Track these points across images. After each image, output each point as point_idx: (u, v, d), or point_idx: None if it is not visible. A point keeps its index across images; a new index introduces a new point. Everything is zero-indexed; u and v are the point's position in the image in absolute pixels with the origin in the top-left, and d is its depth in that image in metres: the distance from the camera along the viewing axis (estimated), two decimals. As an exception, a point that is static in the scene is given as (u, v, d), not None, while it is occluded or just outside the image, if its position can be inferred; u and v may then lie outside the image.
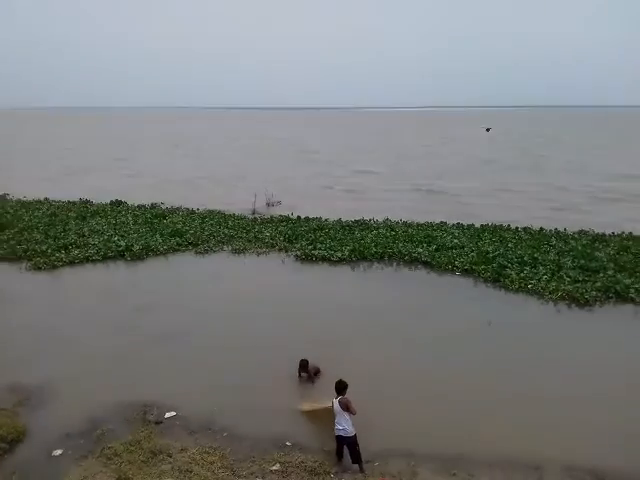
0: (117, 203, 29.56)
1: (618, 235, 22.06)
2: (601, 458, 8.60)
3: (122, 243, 20.69)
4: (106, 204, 29.34)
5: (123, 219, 25.33)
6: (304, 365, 11.00)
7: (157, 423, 9.47)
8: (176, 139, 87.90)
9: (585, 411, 9.93)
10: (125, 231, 22.85)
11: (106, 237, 21.74)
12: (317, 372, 11.06)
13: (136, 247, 20.25)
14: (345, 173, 43.71)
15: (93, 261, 19.26)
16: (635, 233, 22.10)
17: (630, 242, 20.74)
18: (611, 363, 11.82)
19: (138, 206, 28.76)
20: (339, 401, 8.39)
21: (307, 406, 9.84)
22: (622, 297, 15.38)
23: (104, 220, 25.09)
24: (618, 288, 15.70)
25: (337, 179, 40.21)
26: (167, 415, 9.73)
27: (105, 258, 19.54)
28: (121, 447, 8.71)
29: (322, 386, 10.58)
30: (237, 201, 30.12)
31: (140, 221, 24.98)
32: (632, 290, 15.56)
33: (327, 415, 8.88)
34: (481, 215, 25.98)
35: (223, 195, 33.17)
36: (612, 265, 17.67)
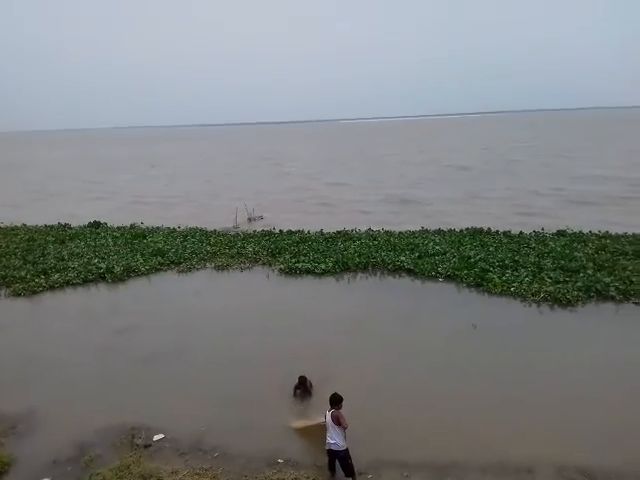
0: (96, 225, 29.20)
1: (595, 234, 22.53)
2: (592, 457, 8.68)
3: (102, 265, 20.42)
4: (85, 226, 28.97)
5: (103, 241, 25.01)
6: (303, 382, 10.84)
7: (146, 446, 9.30)
8: (152, 159, 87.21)
9: (574, 411, 10.04)
10: (105, 253, 22.55)
11: (86, 260, 21.43)
12: (310, 385, 10.99)
13: (117, 269, 19.99)
14: (319, 186, 43.82)
15: (74, 285, 18.94)
16: (611, 232, 22.59)
17: (607, 241, 21.19)
18: (597, 361, 12.00)
19: (117, 227, 28.45)
20: (331, 414, 8.34)
21: (300, 423, 9.76)
22: (603, 295, 15.66)
23: (83, 243, 24.75)
24: (598, 287, 15.98)
25: (312, 192, 40.26)
26: (155, 438, 9.56)
27: (86, 281, 19.23)
28: (110, 473, 8.52)
29: (313, 401, 10.55)
30: (217, 218, 29.96)
31: (120, 242, 24.70)
32: (612, 288, 15.85)
33: (319, 430, 8.81)
34: (455, 223, 26.04)
35: (202, 213, 32.96)
36: (591, 264, 18.02)
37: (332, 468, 8.46)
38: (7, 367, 12.62)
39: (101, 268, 20.11)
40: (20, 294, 18.08)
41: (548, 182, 40.20)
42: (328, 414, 8.38)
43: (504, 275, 17.47)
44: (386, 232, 24.61)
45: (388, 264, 19.44)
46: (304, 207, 34.36)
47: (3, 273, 19.98)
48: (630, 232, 22.47)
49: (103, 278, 19.51)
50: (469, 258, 19.39)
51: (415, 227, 25.26)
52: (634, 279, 16.41)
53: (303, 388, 10.87)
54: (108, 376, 11.92)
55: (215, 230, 26.77)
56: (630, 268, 17.47)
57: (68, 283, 18.98)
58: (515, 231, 23.60)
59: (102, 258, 21.66)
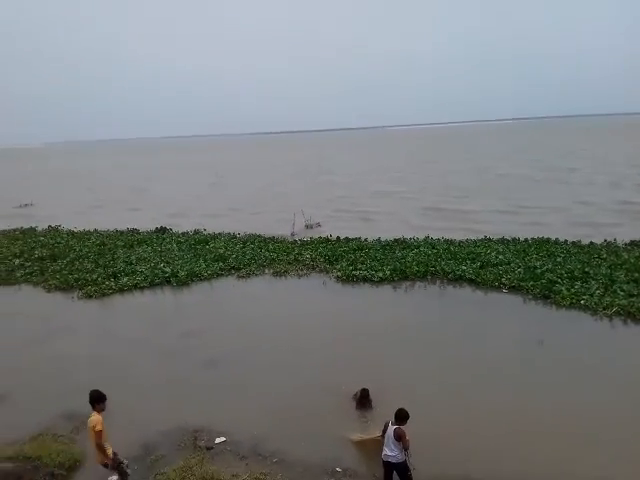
0: (162, 231, 30.39)
1: (673, 245, 21.06)
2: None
3: (168, 270, 21.21)
4: (151, 232, 30.19)
5: (168, 246, 25.99)
6: (365, 395, 10.73)
7: (208, 449, 9.53)
8: (216, 168, 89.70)
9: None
10: (170, 258, 23.41)
11: (153, 264, 22.34)
12: (367, 395, 10.90)
13: (181, 273, 20.71)
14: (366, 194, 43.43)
15: (141, 288, 19.78)
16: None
17: (687, 252, 19.76)
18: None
19: (182, 233, 29.46)
20: (395, 430, 8.17)
21: (356, 437, 9.69)
22: (682, 311, 14.61)
23: (150, 248, 25.79)
24: (677, 301, 14.93)
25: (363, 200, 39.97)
26: (217, 440, 9.79)
27: (152, 285, 20.04)
28: (173, 473, 8.79)
29: (371, 413, 10.49)
30: (274, 224, 30.43)
31: (184, 247, 25.57)
32: (693, 303, 14.76)
33: (376, 444, 8.71)
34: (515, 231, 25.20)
35: (259, 219, 33.56)
36: (669, 277, 16.86)
37: None
38: (78, 368, 13.26)
39: (166, 272, 20.90)
40: (92, 296, 19.07)
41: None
42: (391, 427, 8.21)
43: (573, 287, 16.65)
44: (446, 240, 24.11)
45: (448, 273, 19.01)
46: (357, 215, 34.20)
47: (77, 276, 21.15)
48: None
49: (168, 282, 20.26)
50: (535, 268, 18.63)
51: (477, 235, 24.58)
52: None
53: (365, 401, 10.73)
54: (173, 379, 12.32)
55: (273, 237, 27.18)
56: None
57: (136, 286, 19.85)
58: (585, 241, 22.46)
59: (167, 263, 22.50)
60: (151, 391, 11.86)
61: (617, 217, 28.95)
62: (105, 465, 8.15)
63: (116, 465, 8.16)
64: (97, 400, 8.05)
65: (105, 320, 17.04)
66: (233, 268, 21.75)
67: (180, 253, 24.36)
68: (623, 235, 23.16)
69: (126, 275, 20.97)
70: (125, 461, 8.35)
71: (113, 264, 22.74)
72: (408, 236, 25.11)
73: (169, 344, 14.42)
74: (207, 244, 26.12)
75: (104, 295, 19.16)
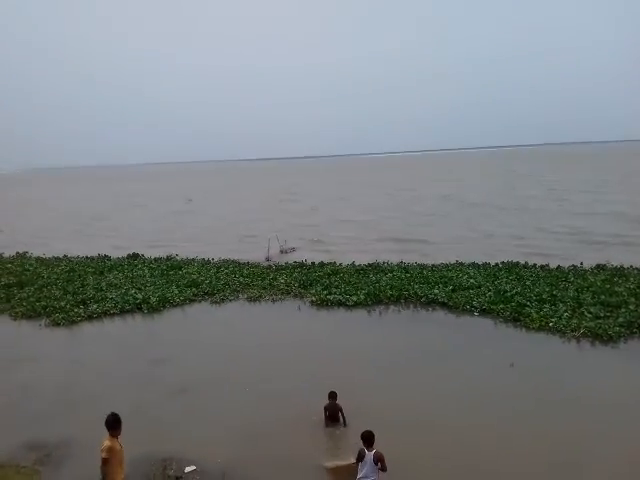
0: (134, 257, 29.98)
1: (637, 268, 21.74)
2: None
3: (139, 296, 20.87)
4: (123, 258, 29.75)
5: (140, 272, 25.62)
6: (333, 396, 10.89)
7: (177, 478, 9.29)
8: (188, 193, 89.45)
9: (615, 455, 9.54)
10: (142, 284, 23.05)
11: (123, 290, 21.94)
12: (341, 411, 10.91)
13: (153, 299, 20.40)
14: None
15: (111, 315, 19.37)
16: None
17: (650, 275, 20.42)
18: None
19: (154, 259, 29.10)
20: (374, 454, 8.10)
21: (330, 464, 9.58)
22: (646, 331, 15.04)
23: (121, 274, 25.37)
24: (641, 322, 15.36)
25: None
26: (187, 469, 9.55)
27: (123, 311, 19.65)
28: (142, 505, 8.53)
29: (343, 437, 10.45)
30: (249, 250, 30.33)
31: (156, 273, 25.24)
32: (656, 324, 15.21)
33: (350, 471, 8.61)
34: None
35: (232, 244, 33.42)
36: (633, 299, 17.37)
37: None
38: (45, 396, 12.87)
39: (138, 299, 20.54)
40: (60, 323, 18.58)
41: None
42: (369, 453, 8.13)
43: (542, 310, 16.99)
44: (419, 265, 24.40)
45: (421, 297, 19.20)
46: (331, 240, 34.35)
47: (44, 303, 20.61)
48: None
49: (139, 308, 19.90)
50: (505, 292, 18.97)
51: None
52: (680, 315, 15.71)
53: (333, 404, 10.83)
54: (142, 406, 12.00)
55: (248, 262, 27.08)
56: (676, 304, 16.76)
57: (106, 313, 19.43)
58: (553, 265, 23.02)
59: (139, 289, 22.14)
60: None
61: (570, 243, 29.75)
62: None
63: None
64: (109, 425, 7.71)
65: (72, 348, 16.60)
66: (206, 294, 21.53)
67: (152, 279, 24.02)
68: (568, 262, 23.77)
69: (96, 302, 20.53)
70: None
71: (82, 291, 22.26)
72: (381, 260, 25.31)
73: (138, 372, 14.10)
74: (180, 270, 25.85)
75: (72, 323, 18.70)
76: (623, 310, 16.48)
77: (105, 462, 7.47)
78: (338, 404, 10.95)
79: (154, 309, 19.79)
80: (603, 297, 17.77)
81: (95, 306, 19.97)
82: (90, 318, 19.09)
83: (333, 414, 10.94)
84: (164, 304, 20.24)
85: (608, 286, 19.06)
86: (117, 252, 31.03)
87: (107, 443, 7.56)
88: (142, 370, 14.21)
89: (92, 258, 30.17)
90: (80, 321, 18.84)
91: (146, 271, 25.79)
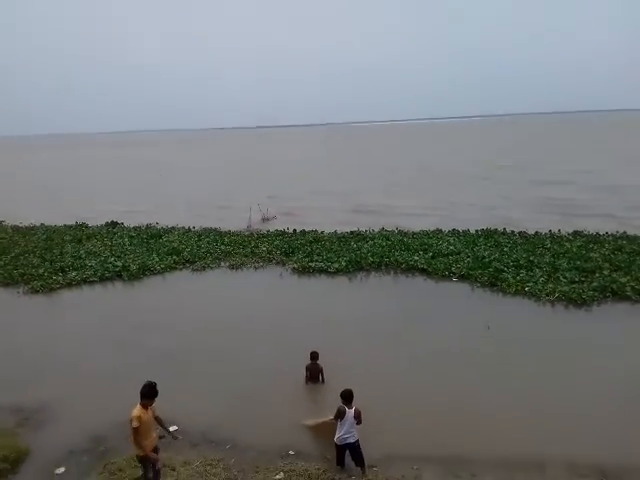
0: (112, 225, 29.61)
1: (612, 235, 22.26)
2: (603, 454, 8.63)
3: (119, 263, 20.71)
4: (101, 226, 29.36)
5: (119, 240, 25.34)
6: (315, 357, 11.19)
7: (160, 437, 9.38)
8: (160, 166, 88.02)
9: (586, 409, 9.95)
10: (122, 252, 22.84)
11: (103, 258, 21.74)
12: (321, 370, 11.23)
13: (133, 267, 20.27)
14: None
15: (90, 282, 19.24)
16: (629, 233, 22.33)
17: (624, 242, 20.93)
18: (611, 361, 11.88)
19: (134, 227, 28.76)
20: (355, 410, 8.32)
21: (311, 421, 9.80)
22: (619, 295, 15.50)
23: (100, 242, 25.07)
24: (614, 287, 15.81)
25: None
26: (170, 429, 9.66)
27: (102, 279, 19.52)
28: (124, 462, 8.66)
29: (323, 396, 10.68)
30: (230, 218, 30.08)
31: (136, 242, 24.99)
32: (628, 288, 15.68)
33: (328, 427, 8.82)
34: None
35: (213, 213, 33.09)
36: (607, 265, 17.83)
37: (342, 462, 8.50)
38: (23, 362, 12.85)
39: (117, 266, 20.39)
40: (38, 291, 18.41)
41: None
42: (350, 411, 8.31)
43: (518, 275, 17.36)
44: (400, 232, 24.58)
45: (401, 264, 19.42)
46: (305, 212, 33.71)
47: (22, 271, 20.35)
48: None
49: (119, 276, 19.79)
50: (483, 258, 19.29)
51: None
52: (651, 279, 16.21)
53: (314, 364, 11.16)
54: (123, 371, 12.06)
55: (229, 230, 26.95)
56: (647, 268, 17.26)
57: (85, 281, 19.29)
58: (531, 231, 23.40)
59: (118, 257, 21.95)
60: (102, 382, 11.60)
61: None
62: (141, 459, 7.68)
63: (148, 464, 7.67)
64: (143, 394, 7.60)
65: (52, 315, 16.52)
66: (188, 261, 21.46)
67: (132, 247, 23.82)
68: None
69: (74, 270, 20.34)
70: (159, 465, 7.82)
71: (61, 259, 21.99)
72: (363, 228, 25.41)
73: (121, 336, 14.12)
74: (160, 238, 25.64)
75: (51, 290, 18.54)
76: (597, 275, 16.92)
77: (135, 431, 7.43)
78: (319, 364, 11.21)
79: (134, 277, 19.69)
80: (578, 263, 18.20)
81: (74, 274, 19.79)
82: (69, 285, 18.95)
83: (314, 374, 11.21)
84: (144, 272, 20.14)
85: (583, 252, 19.51)
86: (94, 221, 30.53)
87: (136, 412, 7.48)
88: (124, 336, 14.20)
89: (70, 226, 29.67)
90: (59, 288, 18.68)
91: (126, 239, 25.50)
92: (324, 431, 9.09)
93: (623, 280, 16.18)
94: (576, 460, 8.50)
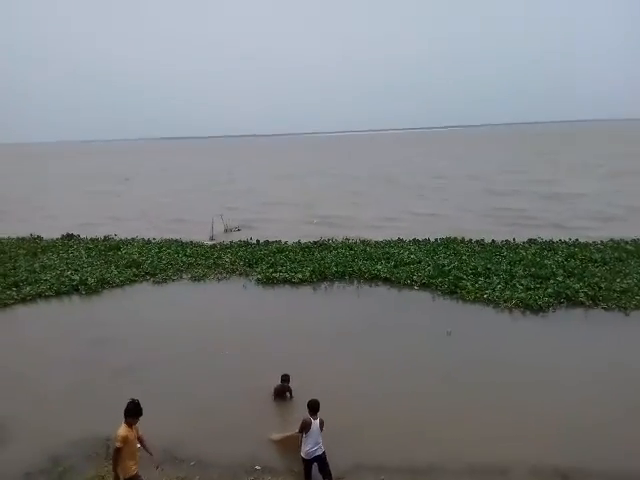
0: (69, 237, 28.69)
1: (565, 242, 23.17)
2: (565, 458, 8.92)
3: (76, 277, 20.08)
4: (57, 239, 28.40)
5: (76, 253, 24.60)
6: (286, 379, 11.03)
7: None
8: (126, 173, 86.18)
9: (546, 412, 10.27)
10: (78, 265, 22.17)
11: (59, 272, 21.03)
12: (290, 391, 11.11)
13: (91, 280, 19.70)
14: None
15: (46, 297, 18.57)
16: (581, 240, 23.30)
17: (576, 249, 21.80)
18: (567, 364, 12.32)
19: (91, 239, 27.97)
20: (319, 421, 8.33)
21: (277, 435, 9.74)
22: (573, 301, 16.12)
23: (56, 255, 24.28)
24: (568, 293, 16.44)
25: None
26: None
27: (59, 293, 18.87)
28: (84, 483, 8.40)
29: (288, 410, 10.66)
30: (188, 231, 29.59)
31: (94, 254, 24.33)
32: (581, 294, 16.31)
33: (294, 441, 8.82)
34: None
35: (174, 225, 32.54)
36: (561, 271, 18.53)
37: (310, 477, 8.40)
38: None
39: (74, 280, 19.77)
40: (-10, 307, 17.65)
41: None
42: (315, 422, 8.32)
43: (477, 282, 17.83)
44: (362, 242, 24.83)
45: (365, 273, 19.62)
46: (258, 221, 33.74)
47: (-28, 286, 19.47)
48: (598, 240, 23.20)
49: (77, 290, 19.18)
50: (443, 266, 19.71)
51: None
52: (602, 285, 16.94)
53: (283, 386, 11.01)
54: (82, 388, 11.72)
55: (191, 241, 26.58)
56: (599, 274, 18.06)
57: (40, 295, 18.61)
58: (488, 240, 24.07)
59: (75, 270, 21.30)
60: (59, 401, 11.22)
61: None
62: None
63: None
64: (128, 413, 7.41)
65: (7, 331, 15.86)
66: (148, 274, 21.02)
67: (89, 260, 23.16)
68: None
69: (29, 284, 19.59)
70: None
71: (14, 273, 21.14)
72: (326, 238, 25.54)
73: (78, 353, 13.69)
74: (119, 250, 25.04)
75: (5, 306, 17.79)
76: (552, 281, 17.56)
77: (117, 451, 7.22)
78: (289, 386, 11.09)
79: (92, 290, 19.14)
80: (533, 269, 18.84)
81: (28, 288, 19.06)
82: (24, 301, 18.24)
83: (280, 393, 11.11)
84: (103, 285, 19.61)
85: (538, 259, 20.22)
86: (49, 233, 29.52)
87: (122, 432, 7.29)
88: (82, 351, 13.79)
89: (23, 239, 28.61)
90: (13, 304, 17.95)
91: (82, 252, 24.78)
92: (290, 445, 9.06)
93: (576, 286, 16.84)
94: (539, 464, 8.76)
